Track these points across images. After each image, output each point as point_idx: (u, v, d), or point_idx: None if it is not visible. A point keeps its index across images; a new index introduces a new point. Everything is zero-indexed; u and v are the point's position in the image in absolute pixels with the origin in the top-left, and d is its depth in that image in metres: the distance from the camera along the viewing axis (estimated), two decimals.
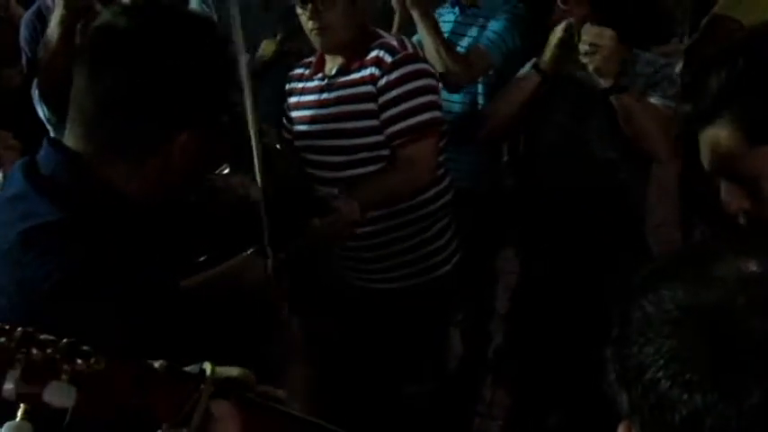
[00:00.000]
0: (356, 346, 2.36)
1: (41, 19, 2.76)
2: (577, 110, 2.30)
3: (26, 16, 2.94)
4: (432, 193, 2.27)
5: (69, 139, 1.20)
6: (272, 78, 2.53)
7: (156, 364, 0.69)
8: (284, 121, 2.36)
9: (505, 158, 2.86)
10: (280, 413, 0.76)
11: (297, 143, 2.29)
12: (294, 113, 2.32)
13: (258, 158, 1.29)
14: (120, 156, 1.18)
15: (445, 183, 2.33)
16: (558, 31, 2.22)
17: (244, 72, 1.36)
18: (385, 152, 2.17)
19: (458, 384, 2.82)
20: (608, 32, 2.10)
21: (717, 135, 1.20)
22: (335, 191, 1.95)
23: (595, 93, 2.21)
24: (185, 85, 1.19)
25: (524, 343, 2.60)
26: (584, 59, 2.13)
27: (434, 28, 2.50)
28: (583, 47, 2.12)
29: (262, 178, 1.31)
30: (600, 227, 2.28)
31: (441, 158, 2.30)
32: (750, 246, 0.66)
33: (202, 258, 1.46)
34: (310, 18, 2.14)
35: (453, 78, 2.51)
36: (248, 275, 1.51)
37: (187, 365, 0.73)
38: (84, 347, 0.67)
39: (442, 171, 2.31)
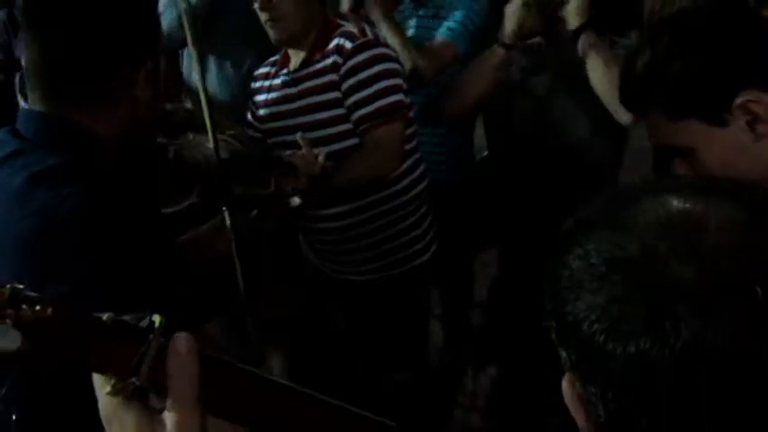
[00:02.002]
0: (336, 337, 2.36)
1: (14, 22, 2.80)
2: (547, 93, 2.30)
3: None
4: (406, 182, 2.27)
5: (37, 105, 1.24)
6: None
7: (104, 317, 0.67)
8: (252, 119, 2.36)
9: (485, 153, 2.87)
10: (242, 370, 0.72)
11: (268, 141, 2.29)
12: (261, 112, 2.32)
13: (210, 124, 1.32)
14: (93, 107, 1.23)
15: (419, 171, 2.32)
16: (516, 4, 2.23)
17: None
18: (356, 141, 2.16)
19: (439, 376, 2.81)
20: None
21: (649, 114, 1.30)
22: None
23: (564, 75, 2.23)
24: (129, 26, 1.23)
25: (505, 334, 2.60)
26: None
27: (395, 28, 2.51)
28: None
29: (215, 139, 1.33)
30: (571, 213, 2.29)
31: (412, 145, 2.29)
32: (668, 186, 0.68)
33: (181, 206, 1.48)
34: (262, 9, 2.14)
35: (420, 73, 2.50)
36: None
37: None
38: (31, 294, 0.65)
39: (414, 159, 2.31)
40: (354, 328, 2.35)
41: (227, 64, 2.84)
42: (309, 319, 2.41)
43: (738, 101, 1.19)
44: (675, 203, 0.63)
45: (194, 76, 2.80)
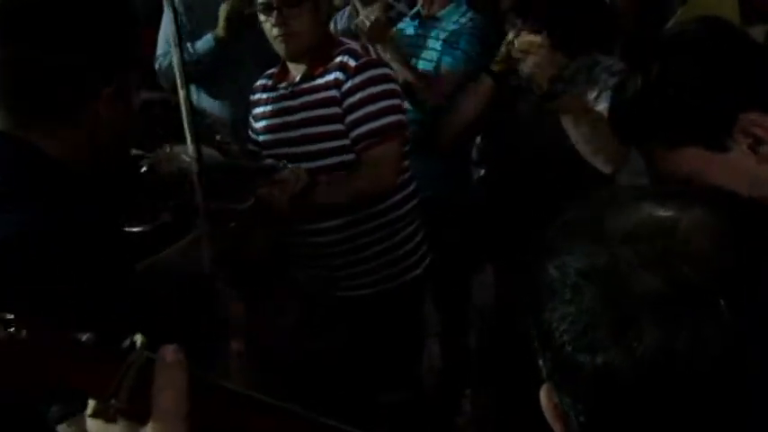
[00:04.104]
0: (330, 354, 2.34)
1: None
2: (539, 114, 2.27)
3: None
4: (399, 197, 2.27)
5: None
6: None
7: (84, 337, 0.64)
8: (250, 132, 2.37)
9: (482, 173, 2.86)
10: (232, 390, 0.69)
11: (264, 153, 2.27)
12: (259, 124, 2.32)
13: (191, 132, 1.29)
14: (50, 124, 1.18)
15: (411, 187, 2.33)
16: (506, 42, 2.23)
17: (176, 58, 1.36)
18: (351, 157, 2.17)
19: (437, 397, 2.78)
20: (538, 40, 2.09)
21: (645, 145, 1.26)
22: (284, 162, 1.92)
23: None
24: (96, 42, 1.18)
25: (503, 354, 2.56)
26: (518, 67, 2.13)
27: (398, 57, 2.53)
28: (515, 54, 2.12)
29: (196, 149, 1.30)
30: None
31: (406, 163, 2.30)
32: (647, 192, 0.67)
33: (152, 225, 1.45)
34: (276, 25, 2.14)
35: (422, 99, 2.53)
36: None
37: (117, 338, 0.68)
38: (5, 316, 0.63)
39: (407, 175, 2.31)
40: (347, 344, 2.33)
41: (232, 95, 2.85)
42: (301, 335, 2.38)
43: (739, 124, 1.15)
44: (648, 210, 0.63)
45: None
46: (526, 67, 2.09)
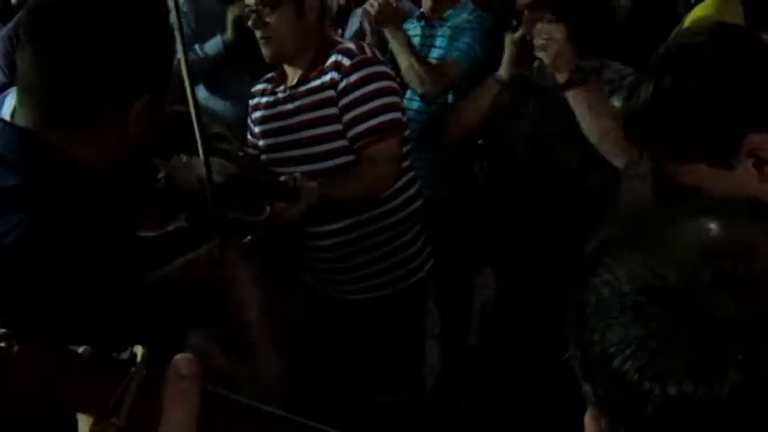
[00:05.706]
0: (332, 355, 2.35)
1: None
2: (541, 117, 2.30)
3: (3, 32, 2.94)
4: (401, 200, 2.26)
5: (21, 118, 1.21)
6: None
7: (80, 350, 0.59)
8: (249, 136, 2.36)
9: (484, 174, 2.87)
10: (235, 403, 0.65)
11: (263, 157, 2.28)
12: (258, 128, 2.31)
13: (202, 145, 1.29)
14: (75, 128, 1.19)
15: (414, 189, 2.32)
16: (510, 40, 2.24)
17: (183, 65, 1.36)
18: (353, 158, 2.16)
19: (436, 399, 2.79)
20: (559, 27, 2.08)
21: (652, 156, 1.30)
22: (296, 175, 1.93)
23: (558, 99, 2.21)
24: (133, 53, 1.19)
25: (503, 356, 2.59)
26: (540, 54, 2.11)
27: (406, 43, 2.53)
28: (537, 41, 2.10)
29: (206, 161, 1.31)
30: (570, 236, 2.26)
31: (407, 163, 2.29)
32: (706, 206, 0.61)
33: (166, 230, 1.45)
34: (255, 27, 2.14)
35: (428, 90, 2.53)
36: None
37: (121, 347, 0.63)
38: None
39: (409, 177, 2.30)
40: (348, 347, 2.33)
41: (239, 98, 2.83)
42: (305, 335, 2.40)
43: (746, 143, 1.17)
44: (718, 226, 0.57)
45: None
46: (548, 55, 2.08)
